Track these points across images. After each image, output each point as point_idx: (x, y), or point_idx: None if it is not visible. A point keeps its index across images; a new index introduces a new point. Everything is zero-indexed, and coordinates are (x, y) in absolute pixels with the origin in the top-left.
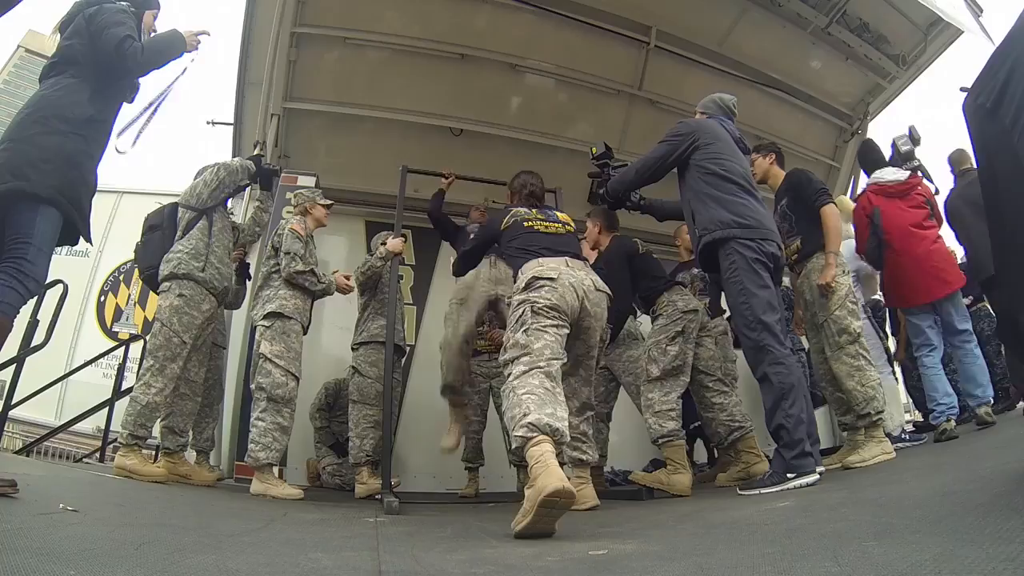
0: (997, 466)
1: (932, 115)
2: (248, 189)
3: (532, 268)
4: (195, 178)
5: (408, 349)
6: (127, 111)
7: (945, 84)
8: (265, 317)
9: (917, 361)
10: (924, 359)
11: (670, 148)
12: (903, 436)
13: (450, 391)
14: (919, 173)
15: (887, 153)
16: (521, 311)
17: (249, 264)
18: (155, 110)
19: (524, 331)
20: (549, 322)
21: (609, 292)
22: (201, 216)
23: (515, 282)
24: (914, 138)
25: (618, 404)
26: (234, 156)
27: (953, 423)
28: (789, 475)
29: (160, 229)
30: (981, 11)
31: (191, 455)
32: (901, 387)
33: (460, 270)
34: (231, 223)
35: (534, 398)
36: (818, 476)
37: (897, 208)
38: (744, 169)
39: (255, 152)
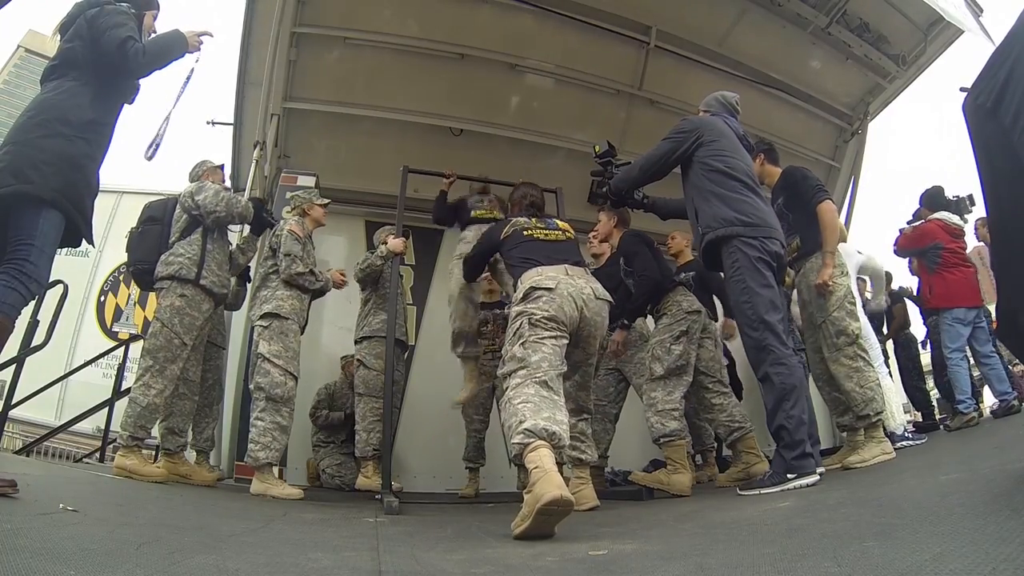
0: (997, 466)
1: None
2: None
3: (531, 278)
4: (191, 173)
5: (409, 348)
6: (130, 111)
7: (945, 84)
8: (262, 317)
9: (950, 360)
10: (960, 362)
11: (674, 145)
12: (906, 435)
13: (460, 339)
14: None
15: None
16: (518, 324)
17: (249, 266)
18: (168, 118)
19: (521, 344)
20: (547, 334)
21: (610, 299)
22: (198, 224)
23: (515, 291)
24: (972, 201)
25: None
26: (234, 156)
27: (975, 414)
28: (789, 475)
29: (160, 224)
30: (981, 11)
31: (191, 455)
32: (900, 387)
33: (468, 277)
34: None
35: (530, 405)
36: (818, 476)
37: (954, 243)
38: (748, 167)
39: (259, 194)
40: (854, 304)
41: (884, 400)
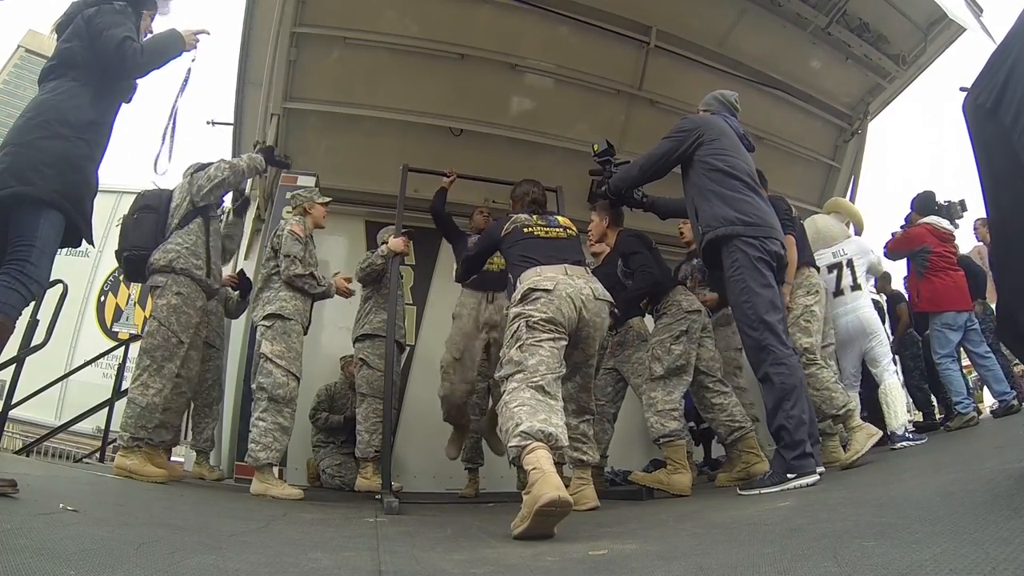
0: (997, 466)
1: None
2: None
3: (530, 278)
4: (185, 174)
5: (408, 348)
6: (127, 110)
7: (945, 84)
8: (265, 318)
9: (940, 365)
10: (951, 365)
11: (674, 144)
12: (906, 435)
13: (445, 405)
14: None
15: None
16: (516, 326)
17: (249, 278)
18: (174, 123)
19: (519, 347)
20: (545, 336)
21: (611, 299)
22: (197, 213)
23: (514, 290)
24: (964, 207)
25: None
26: (234, 156)
27: (975, 414)
28: (789, 475)
29: (155, 212)
30: (981, 11)
31: (191, 455)
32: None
33: (462, 276)
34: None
35: (526, 408)
36: (818, 476)
37: (943, 247)
38: (748, 166)
39: (262, 145)
40: (809, 321)
41: (846, 394)
